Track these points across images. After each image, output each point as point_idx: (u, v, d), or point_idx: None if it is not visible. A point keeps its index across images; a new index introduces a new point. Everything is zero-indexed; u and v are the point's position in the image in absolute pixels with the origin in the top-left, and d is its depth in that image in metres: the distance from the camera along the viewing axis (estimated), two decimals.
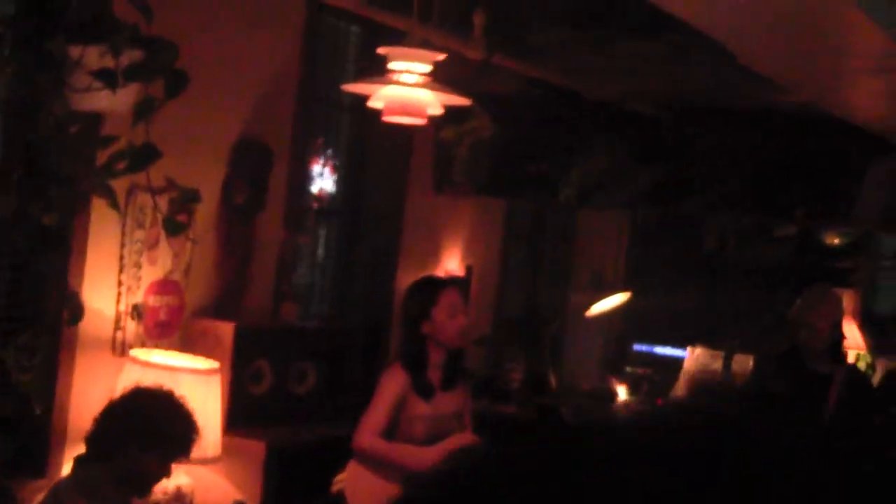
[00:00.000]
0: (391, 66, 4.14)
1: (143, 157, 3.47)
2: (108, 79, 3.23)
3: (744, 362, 6.37)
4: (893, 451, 5.11)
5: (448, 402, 4.69)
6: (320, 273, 6.73)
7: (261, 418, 5.28)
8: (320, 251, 6.72)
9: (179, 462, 3.84)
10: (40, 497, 4.09)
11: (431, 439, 4.65)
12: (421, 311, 4.60)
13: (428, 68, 4.14)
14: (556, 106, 6.97)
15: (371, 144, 6.68)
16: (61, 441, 4.59)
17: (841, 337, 5.38)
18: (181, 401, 3.80)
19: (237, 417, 5.13)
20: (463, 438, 4.74)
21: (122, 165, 3.48)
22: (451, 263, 7.37)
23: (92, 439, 3.75)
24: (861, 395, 5.35)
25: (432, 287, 4.75)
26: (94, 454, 3.72)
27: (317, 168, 6.52)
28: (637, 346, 8.48)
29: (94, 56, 3.25)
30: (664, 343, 8.34)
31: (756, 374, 5.68)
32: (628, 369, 7.86)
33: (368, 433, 4.52)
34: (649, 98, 7.25)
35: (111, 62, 3.26)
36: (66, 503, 3.60)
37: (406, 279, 6.83)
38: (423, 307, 4.61)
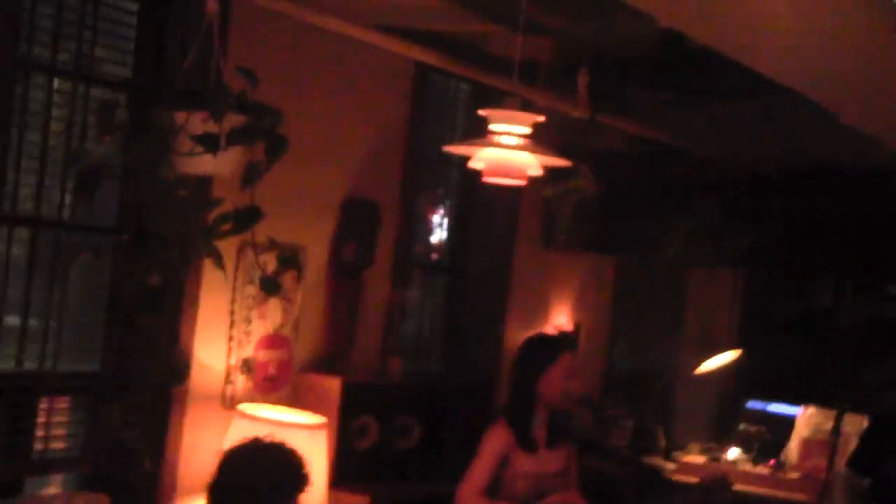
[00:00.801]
0: (491, 127, 4.16)
1: (247, 218, 3.55)
2: (209, 143, 3.31)
3: (857, 422, 6.23)
4: None
5: (552, 460, 4.68)
6: (428, 328, 6.75)
7: (365, 474, 5.31)
8: (428, 307, 6.75)
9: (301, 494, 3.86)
10: None
11: (535, 497, 4.63)
12: (537, 369, 4.60)
13: (527, 130, 4.16)
14: (661, 163, 6.94)
15: (479, 199, 6.71)
16: (171, 494, 4.67)
17: None
18: (291, 447, 3.86)
19: (342, 472, 5.16)
20: (567, 496, 4.72)
21: (227, 227, 3.56)
22: (560, 320, 7.34)
23: (215, 490, 3.80)
24: None
25: (551, 347, 4.76)
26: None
27: (436, 218, 6.58)
28: (750, 404, 8.34)
29: (197, 122, 3.34)
30: (776, 400, 8.19)
31: (869, 431, 5.55)
32: (741, 427, 7.73)
33: (470, 490, 4.53)
34: (757, 158, 7.18)
35: (214, 127, 3.35)
36: None
37: (514, 336, 6.83)
38: (540, 365, 4.61)
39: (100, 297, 4.52)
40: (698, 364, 7.66)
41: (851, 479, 5.43)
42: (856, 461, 5.48)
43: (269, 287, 3.74)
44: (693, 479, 6.88)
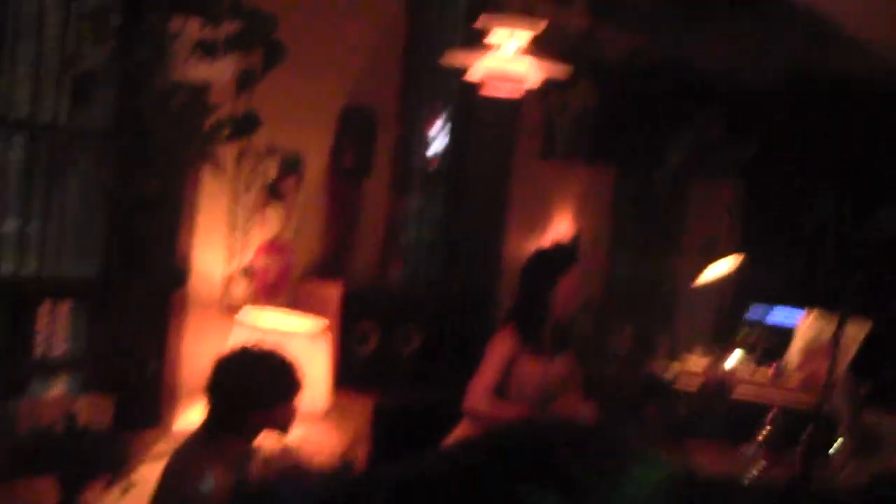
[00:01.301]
0: (490, 37, 4.16)
1: (245, 125, 3.57)
2: (206, 49, 3.32)
3: (857, 328, 6.27)
4: None
5: (557, 367, 4.75)
6: (427, 238, 6.78)
7: (367, 379, 5.38)
8: (427, 216, 6.77)
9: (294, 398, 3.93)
10: (157, 450, 4.26)
11: (541, 400, 4.71)
12: (551, 279, 4.66)
13: (527, 36, 4.15)
14: (662, 75, 6.92)
15: (478, 110, 6.71)
16: (173, 396, 4.75)
17: None
18: (283, 354, 3.92)
19: (344, 377, 5.22)
20: (572, 400, 4.80)
21: (225, 133, 3.59)
22: (560, 230, 7.37)
23: (211, 398, 3.88)
24: None
25: (567, 259, 4.81)
26: (216, 413, 3.85)
27: (434, 130, 6.58)
28: (750, 312, 8.39)
29: (194, 28, 3.35)
30: (779, 304, 8.24)
31: (870, 336, 5.60)
32: (741, 332, 7.78)
33: (480, 393, 4.60)
34: (759, 69, 7.15)
35: (211, 34, 3.36)
36: (184, 459, 3.74)
37: (514, 246, 6.88)
38: (554, 274, 4.67)
39: (98, 203, 4.56)
40: (699, 273, 7.69)
41: (853, 383, 5.48)
42: (857, 365, 5.53)
43: (273, 193, 3.77)
44: (693, 385, 6.96)
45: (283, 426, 3.96)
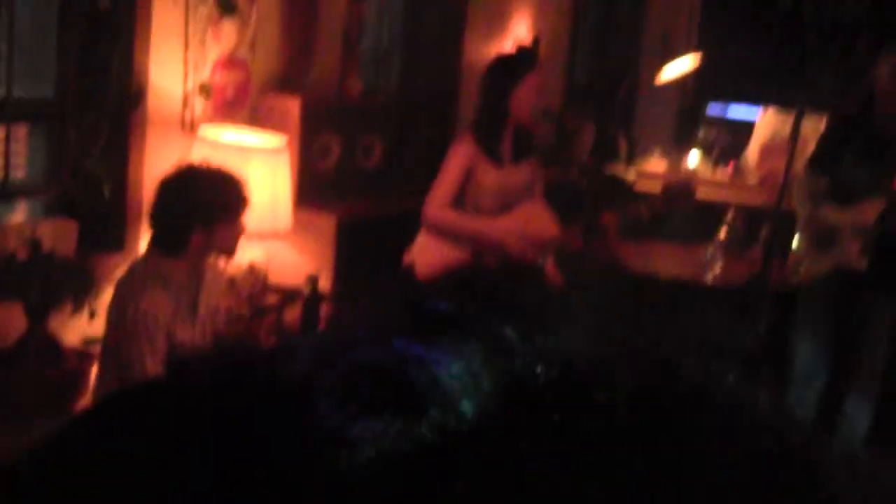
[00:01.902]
0: None
1: None
2: None
3: (815, 124, 6.28)
4: None
5: (517, 173, 4.73)
6: (386, 44, 6.66)
7: (330, 193, 5.35)
8: (385, 20, 6.64)
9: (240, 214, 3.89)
10: (120, 274, 4.23)
11: (500, 209, 4.70)
12: (508, 86, 4.60)
13: None
14: None
15: None
16: (136, 216, 4.70)
17: None
18: (227, 170, 3.86)
19: (306, 192, 5.20)
20: (531, 205, 4.80)
21: None
22: (520, 30, 7.26)
23: (154, 220, 3.83)
24: None
25: (526, 64, 4.73)
26: (161, 236, 3.81)
27: None
28: (710, 109, 8.39)
29: None
30: (737, 100, 8.25)
31: (828, 131, 5.61)
32: (701, 133, 7.79)
33: (438, 203, 4.58)
34: None
35: None
36: (139, 290, 3.72)
37: (473, 48, 6.78)
38: (512, 82, 4.60)
39: (50, 22, 4.42)
40: (659, 70, 7.64)
41: (811, 179, 5.51)
42: (815, 161, 5.55)
43: (225, 6, 3.63)
44: (654, 186, 6.99)
45: (227, 248, 3.90)
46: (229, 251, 3.94)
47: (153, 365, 3.67)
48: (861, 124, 5.33)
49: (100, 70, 4.44)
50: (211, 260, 3.97)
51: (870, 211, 5.20)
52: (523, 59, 4.85)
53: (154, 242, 3.82)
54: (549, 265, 4.83)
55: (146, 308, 3.67)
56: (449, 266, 4.60)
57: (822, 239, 5.34)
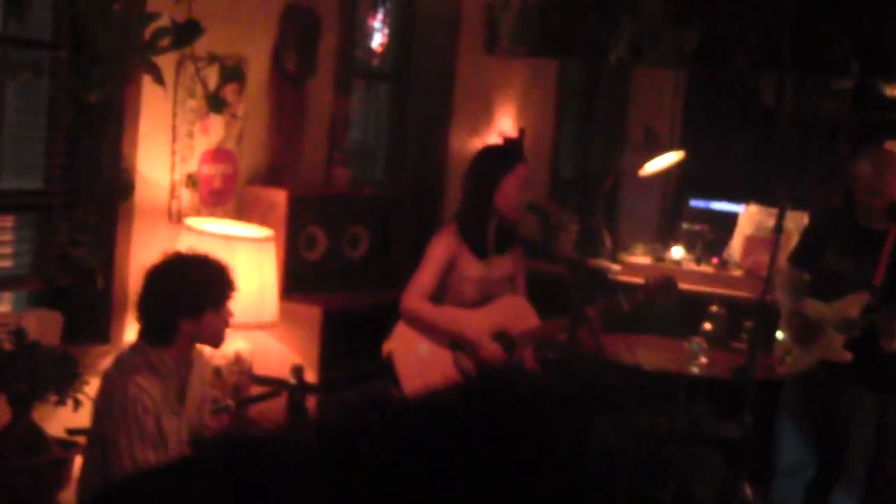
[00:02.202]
0: None
1: (187, 33, 3.49)
2: None
3: (797, 219, 6.34)
4: None
5: (499, 266, 4.73)
6: (372, 137, 6.74)
7: (316, 284, 5.36)
8: (372, 115, 6.72)
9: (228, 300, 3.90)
10: (106, 364, 4.22)
11: (481, 300, 4.70)
12: (494, 179, 4.61)
13: None
14: None
15: (421, 7, 6.63)
16: (122, 308, 4.70)
17: None
18: (214, 258, 3.88)
19: (293, 283, 5.21)
20: (511, 300, 4.80)
21: (166, 42, 3.50)
22: (504, 125, 7.34)
23: (141, 310, 3.85)
24: None
25: (510, 157, 4.76)
26: (149, 325, 3.82)
27: (375, 24, 6.49)
28: (693, 202, 8.45)
29: None
30: (719, 199, 8.31)
31: (809, 227, 5.67)
32: (684, 226, 7.84)
33: (416, 296, 4.58)
34: None
35: None
36: (127, 377, 3.72)
37: (459, 142, 6.84)
38: (496, 175, 4.62)
39: (39, 115, 4.46)
40: (642, 166, 7.71)
41: (794, 273, 5.55)
42: (798, 255, 5.60)
43: (215, 104, 3.69)
44: (638, 280, 7.02)
45: (215, 336, 3.90)
46: (217, 340, 3.94)
47: (142, 453, 3.66)
48: (843, 219, 5.39)
49: (88, 161, 4.47)
50: (197, 349, 3.97)
51: (853, 305, 5.23)
52: (511, 149, 4.90)
53: (143, 331, 3.83)
54: (529, 358, 4.82)
55: (135, 395, 3.66)
56: (425, 357, 4.59)
57: (805, 332, 5.36)
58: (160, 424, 3.73)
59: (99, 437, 3.77)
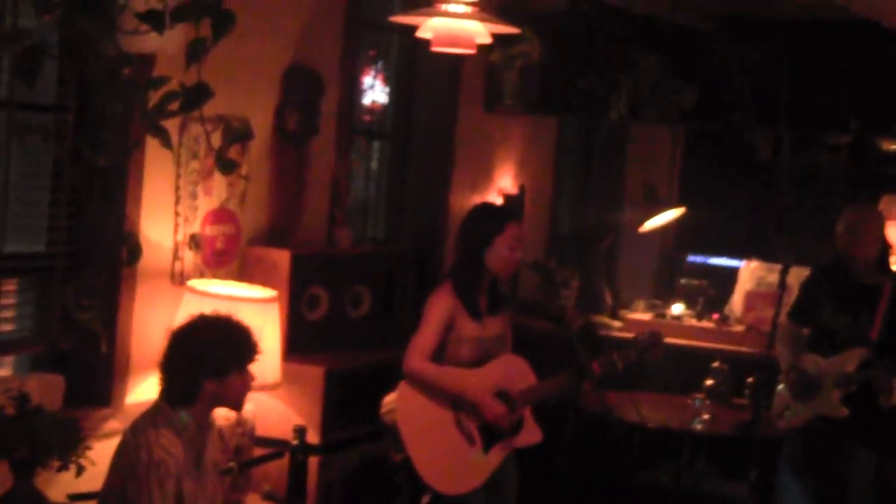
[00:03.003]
0: None
1: (197, 96, 3.45)
2: (155, 20, 3.21)
3: (799, 274, 6.34)
4: None
5: (493, 326, 4.73)
6: (374, 196, 6.75)
7: (318, 343, 5.33)
8: (373, 174, 6.73)
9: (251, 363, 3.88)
10: (108, 428, 4.20)
11: (478, 361, 4.68)
12: (485, 238, 4.60)
13: None
14: (604, 22, 6.88)
15: (421, 66, 6.66)
16: (124, 371, 4.68)
17: (888, 249, 5.38)
18: (237, 319, 3.87)
19: (295, 343, 5.19)
20: (509, 359, 4.78)
21: (175, 106, 3.48)
22: (504, 183, 7.35)
23: (165, 371, 3.82)
24: None
25: (500, 216, 4.75)
26: (172, 386, 3.79)
27: (368, 80, 6.50)
28: (691, 258, 8.45)
29: None
30: (719, 255, 8.31)
31: (807, 282, 5.66)
32: (683, 281, 7.83)
33: (418, 356, 4.56)
34: (696, 10, 7.15)
35: (158, 3, 3.26)
36: (153, 439, 3.68)
37: (459, 200, 6.85)
38: (489, 234, 4.61)
39: (43, 178, 4.45)
40: (642, 222, 7.71)
41: (793, 327, 5.55)
42: (795, 311, 5.60)
43: (225, 165, 3.67)
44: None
45: (235, 400, 3.89)
46: (239, 403, 3.91)
47: None
48: (839, 275, 5.39)
49: (91, 224, 4.45)
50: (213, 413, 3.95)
51: (851, 360, 5.22)
52: (502, 208, 4.91)
53: (165, 393, 3.79)
54: (528, 419, 4.79)
55: (161, 458, 3.62)
56: (429, 416, 4.56)
57: (804, 387, 5.35)
58: (181, 489, 3.69)
59: (116, 500, 3.70)
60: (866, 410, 5.17)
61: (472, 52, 4.30)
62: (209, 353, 3.77)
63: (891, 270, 5.41)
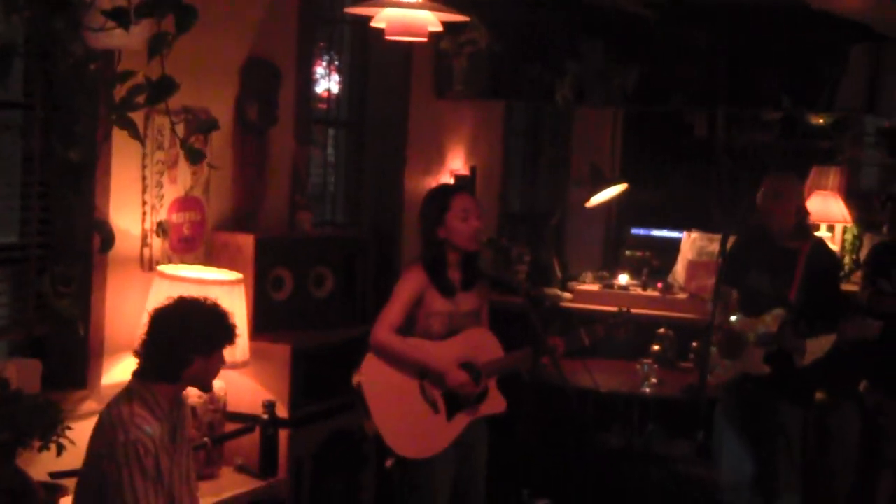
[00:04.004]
0: None
1: (162, 89, 3.46)
2: (121, 18, 3.22)
3: (729, 241, 6.41)
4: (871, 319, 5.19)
5: (466, 301, 4.74)
6: (332, 181, 6.76)
7: (284, 323, 5.35)
8: (331, 160, 6.74)
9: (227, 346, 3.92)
10: (85, 409, 4.20)
11: (448, 334, 4.71)
12: (437, 217, 4.63)
13: None
14: (550, 9, 6.92)
15: (373, 55, 6.67)
16: (99, 354, 4.67)
17: (805, 215, 5.47)
18: (214, 301, 3.91)
19: (262, 323, 5.20)
20: (476, 332, 4.81)
21: (141, 99, 3.48)
22: (456, 164, 7.38)
23: (144, 352, 3.84)
24: (826, 266, 5.43)
25: (445, 194, 4.77)
26: (149, 365, 3.81)
27: (320, 70, 6.50)
28: (634, 230, 8.52)
29: None
30: (661, 227, 8.39)
31: (734, 246, 5.73)
32: (628, 253, 7.90)
33: (384, 329, 4.58)
34: None
35: (123, 1, 3.27)
36: (128, 420, 3.70)
37: (413, 182, 6.88)
38: (439, 213, 4.64)
39: (13, 173, 4.43)
40: (588, 199, 7.78)
41: (723, 291, 5.62)
42: (724, 273, 5.66)
43: (193, 155, 3.68)
44: (589, 306, 7.09)
45: (207, 379, 3.93)
46: (210, 384, 3.97)
47: (144, 492, 3.64)
48: (761, 239, 5.47)
49: (62, 215, 4.44)
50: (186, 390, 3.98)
51: (772, 320, 5.30)
52: (445, 189, 4.93)
53: (144, 372, 3.81)
54: (493, 389, 4.83)
55: (137, 437, 3.64)
56: (393, 387, 4.58)
57: (730, 346, 5.42)
58: (158, 465, 3.71)
59: (95, 479, 3.72)
60: (787, 368, 5.26)
61: (424, 40, 4.33)
62: (201, 330, 3.81)
63: (808, 234, 5.51)
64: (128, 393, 3.82)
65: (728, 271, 5.61)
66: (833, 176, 8.32)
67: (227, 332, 3.87)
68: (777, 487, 5.41)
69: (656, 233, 8.41)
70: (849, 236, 8.14)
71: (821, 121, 9.00)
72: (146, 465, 3.66)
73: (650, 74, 6.90)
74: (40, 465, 4.15)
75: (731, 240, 5.51)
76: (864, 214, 8.11)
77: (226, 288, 4.81)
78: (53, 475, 4.18)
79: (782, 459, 5.39)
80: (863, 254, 7.48)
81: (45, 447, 3.99)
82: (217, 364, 3.90)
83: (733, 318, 5.36)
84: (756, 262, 5.43)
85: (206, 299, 3.90)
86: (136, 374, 3.85)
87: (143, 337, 3.84)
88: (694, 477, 6.26)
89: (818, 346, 5.16)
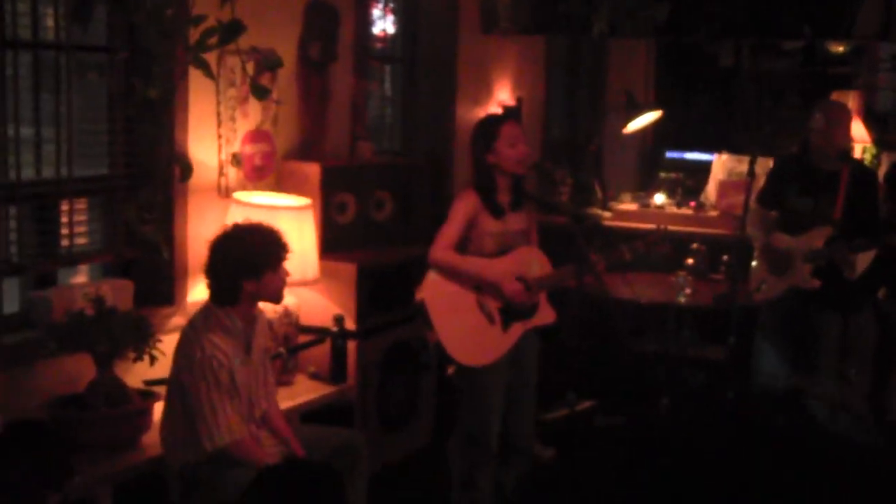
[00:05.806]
0: None
1: (231, 31, 3.46)
2: None
3: (764, 164, 6.33)
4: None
5: (515, 221, 4.70)
6: (389, 113, 6.74)
7: (349, 243, 5.37)
8: (387, 94, 6.71)
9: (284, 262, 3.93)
10: (176, 324, 4.24)
11: (500, 252, 4.69)
12: (486, 145, 4.59)
13: None
14: None
15: None
16: (183, 274, 4.72)
17: (850, 142, 5.39)
18: (268, 224, 3.91)
19: (329, 244, 5.22)
20: (526, 250, 4.79)
21: (213, 41, 3.47)
22: (503, 96, 7.32)
23: (209, 276, 3.88)
24: (866, 186, 5.36)
25: (494, 123, 4.72)
26: (217, 289, 3.85)
27: (376, 12, 6.45)
28: (669, 154, 8.44)
29: None
30: (693, 150, 8.30)
31: (774, 170, 5.66)
32: (662, 175, 7.83)
33: (442, 247, 4.56)
34: None
35: None
36: (203, 336, 3.75)
37: (464, 113, 6.83)
38: (488, 141, 4.59)
39: (100, 111, 4.44)
40: (624, 125, 7.69)
41: (761, 212, 5.56)
42: (763, 197, 5.61)
43: (259, 92, 3.67)
44: (629, 224, 7.05)
45: (274, 293, 3.95)
46: (277, 297, 3.99)
47: (219, 400, 3.71)
48: (801, 163, 5.39)
49: (146, 149, 4.46)
50: (258, 307, 4.00)
51: (817, 238, 5.25)
52: (494, 118, 4.86)
53: (212, 295, 3.86)
54: (543, 302, 4.81)
55: (211, 352, 3.72)
56: (453, 300, 4.58)
57: (777, 263, 5.38)
58: (233, 377, 3.78)
59: (179, 388, 3.81)
60: (834, 281, 5.22)
61: None
62: (244, 257, 3.83)
63: (848, 158, 5.41)
64: (204, 313, 3.87)
65: (766, 196, 5.56)
66: (851, 100, 8.16)
67: (267, 255, 3.87)
68: (811, 385, 5.42)
69: (689, 155, 8.32)
70: (868, 156, 8.00)
71: (840, 49, 8.83)
72: (221, 378, 3.73)
73: (679, 7, 6.77)
74: (135, 374, 4.22)
75: (759, 161, 5.44)
76: (882, 135, 7.96)
77: (295, 213, 4.83)
78: (147, 382, 4.25)
79: (822, 362, 5.40)
80: (881, 171, 7.36)
81: (138, 358, 4.07)
82: (274, 281, 3.90)
83: (780, 236, 5.33)
84: (796, 185, 5.37)
85: (253, 225, 3.91)
86: (209, 297, 3.91)
87: (206, 260, 3.89)
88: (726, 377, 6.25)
89: (864, 260, 5.14)
